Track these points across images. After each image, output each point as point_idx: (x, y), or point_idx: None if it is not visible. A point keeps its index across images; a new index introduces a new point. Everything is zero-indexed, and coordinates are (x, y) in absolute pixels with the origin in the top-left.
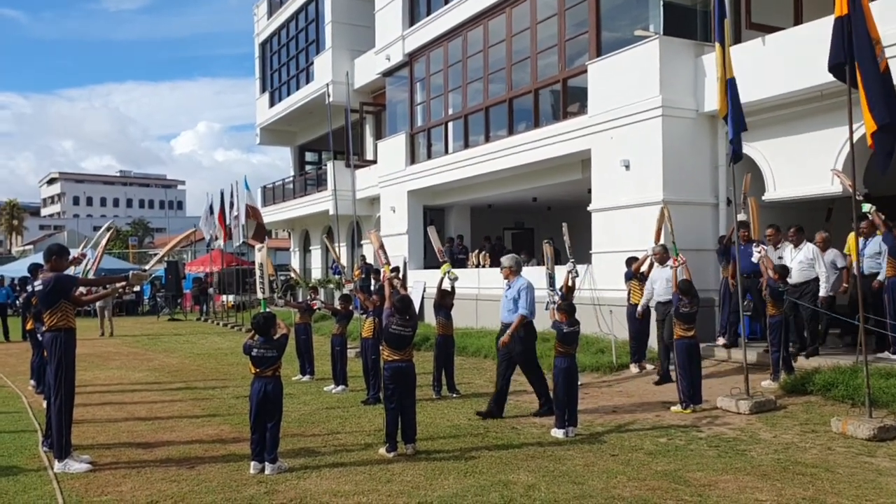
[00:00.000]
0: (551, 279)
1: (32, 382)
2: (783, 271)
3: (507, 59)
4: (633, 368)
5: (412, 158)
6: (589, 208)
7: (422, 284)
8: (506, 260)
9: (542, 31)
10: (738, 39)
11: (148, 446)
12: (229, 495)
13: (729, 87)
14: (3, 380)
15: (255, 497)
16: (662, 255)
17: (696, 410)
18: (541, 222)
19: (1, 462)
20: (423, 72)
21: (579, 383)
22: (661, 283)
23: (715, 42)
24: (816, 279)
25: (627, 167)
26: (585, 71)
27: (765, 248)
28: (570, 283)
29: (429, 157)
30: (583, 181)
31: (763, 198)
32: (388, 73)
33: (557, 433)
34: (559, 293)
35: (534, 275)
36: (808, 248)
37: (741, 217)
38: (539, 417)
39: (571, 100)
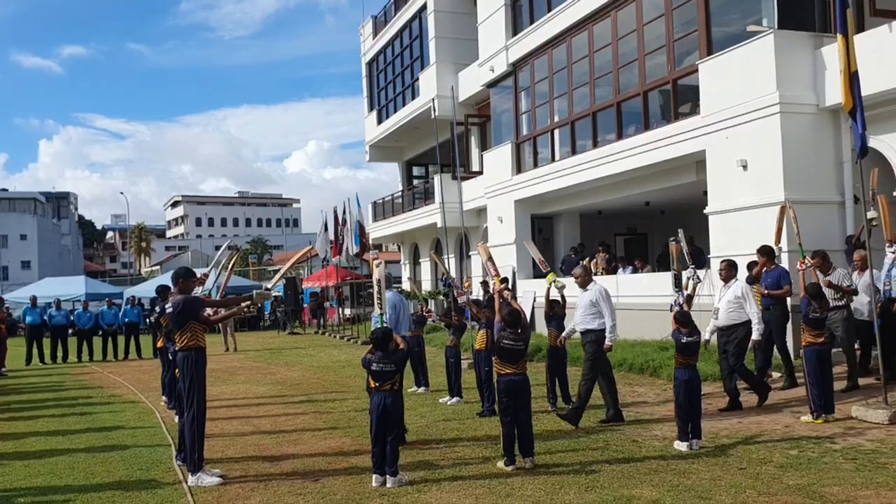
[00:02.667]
0: (677, 280)
1: (164, 398)
2: None
3: (614, 63)
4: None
5: (518, 168)
6: (705, 211)
7: (531, 295)
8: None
9: (650, 32)
10: (861, 27)
11: (274, 459)
12: None
13: (853, 80)
14: (137, 395)
15: None
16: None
17: (829, 420)
18: (655, 227)
19: (140, 475)
20: (528, 80)
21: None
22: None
23: (837, 33)
24: None
25: (745, 167)
26: (696, 70)
27: None
28: (690, 291)
29: (535, 165)
30: (697, 183)
31: (894, 193)
32: (492, 84)
33: (681, 446)
34: (684, 294)
35: (646, 282)
36: None
37: (870, 215)
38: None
39: (682, 100)
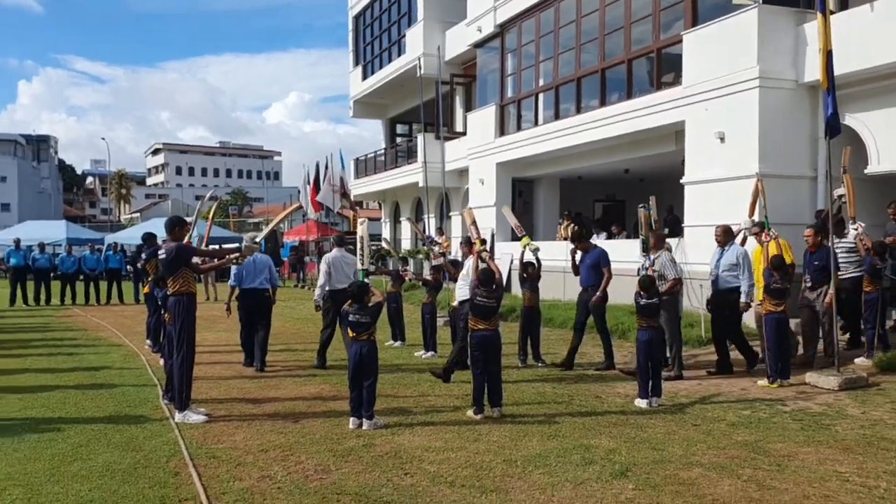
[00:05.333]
0: (645, 245)
1: (149, 342)
2: (881, 249)
3: (600, 29)
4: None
5: (502, 130)
6: (682, 181)
7: (509, 257)
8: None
9: (637, 0)
10: (845, 5)
11: (256, 402)
12: (331, 447)
13: (829, 59)
14: (121, 339)
15: (354, 449)
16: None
17: (784, 385)
18: (633, 194)
19: (128, 411)
20: (515, 42)
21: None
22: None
23: (817, 11)
24: None
25: (722, 139)
26: (681, 41)
27: (861, 225)
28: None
29: (518, 128)
30: (676, 153)
31: (865, 171)
32: (479, 45)
33: (641, 403)
34: (650, 259)
35: (625, 247)
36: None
37: (839, 192)
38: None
39: (666, 70)
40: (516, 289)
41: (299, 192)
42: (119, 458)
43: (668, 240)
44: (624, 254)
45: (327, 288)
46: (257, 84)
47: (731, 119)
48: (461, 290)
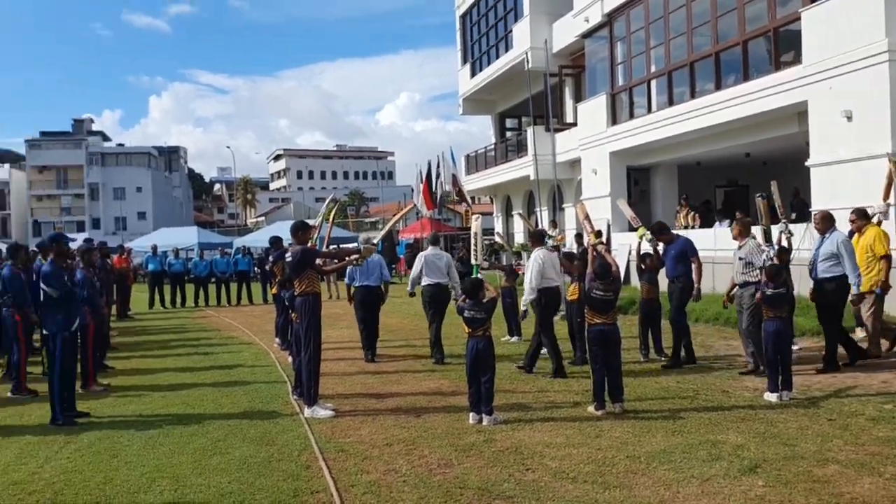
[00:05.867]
0: (766, 235)
1: (277, 340)
2: None
3: (712, 11)
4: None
5: (613, 119)
6: (807, 163)
7: (626, 248)
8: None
9: None
10: None
11: (379, 397)
12: (453, 441)
13: None
14: (251, 338)
15: (475, 444)
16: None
17: None
18: (756, 179)
19: (262, 407)
20: (624, 30)
21: (796, 347)
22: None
23: None
24: None
25: (850, 118)
26: (799, 18)
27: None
28: (784, 245)
29: (631, 116)
30: (800, 134)
31: None
32: (587, 35)
33: (770, 397)
34: (774, 248)
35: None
36: None
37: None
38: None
39: (784, 49)
40: (635, 281)
41: (413, 190)
42: (254, 452)
43: (792, 225)
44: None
45: (420, 283)
46: (369, 87)
47: (858, 96)
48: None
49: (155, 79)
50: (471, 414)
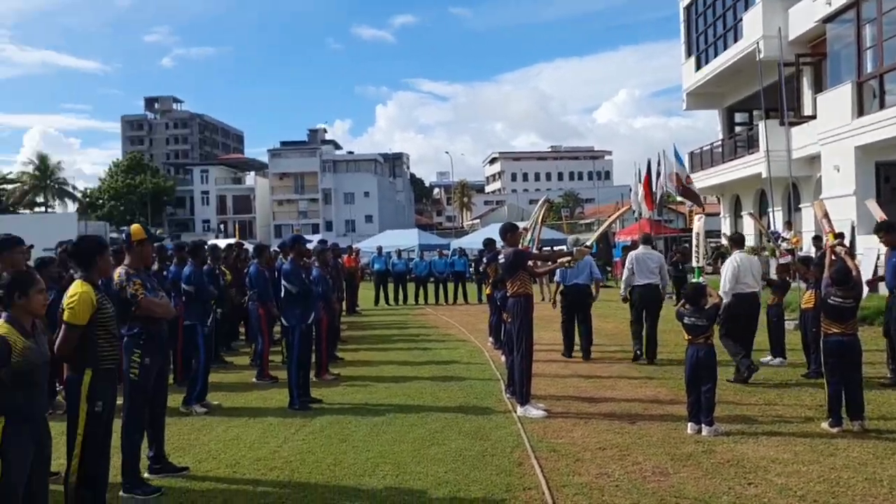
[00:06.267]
0: None
1: (491, 339)
2: None
3: None
4: None
5: (860, 110)
6: None
7: (874, 252)
8: None
9: None
10: None
11: (592, 401)
12: (669, 450)
13: None
14: (466, 336)
15: (693, 454)
16: None
17: None
18: None
19: (476, 403)
20: (874, 11)
21: None
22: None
23: None
24: None
25: None
26: None
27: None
28: None
29: (882, 106)
30: None
31: None
32: (829, 19)
33: None
34: None
35: None
36: None
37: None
38: None
39: None
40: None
41: (630, 190)
42: (469, 446)
43: None
44: None
45: (632, 284)
46: (587, 86)
47: None
48: None
49: (381, 88)
50: (689, 424)
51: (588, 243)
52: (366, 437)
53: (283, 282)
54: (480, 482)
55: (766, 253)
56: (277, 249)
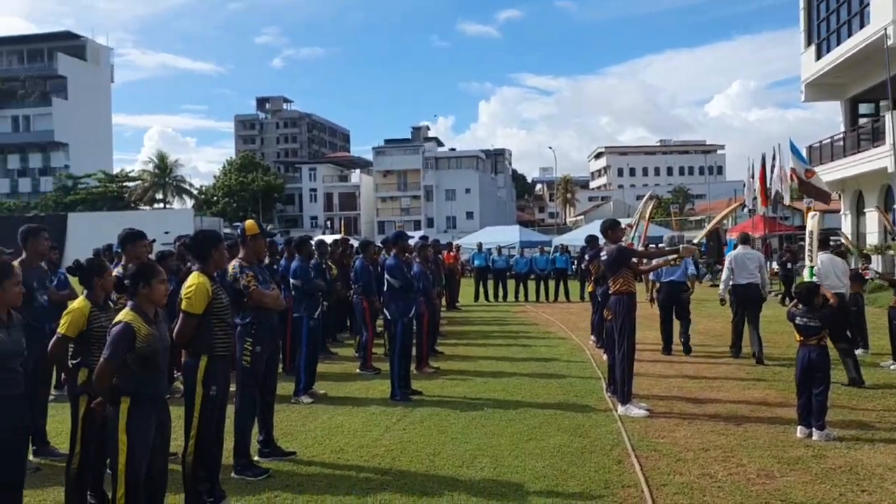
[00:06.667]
0: None
1: (593, 337)
2: None
3: None
4: None
5: None
6: None
7: None
8: None
9: None
10: None
11: (697, 402)
12: (776, 453)
13: None
14: (567, 333)
15: (802, 458)
16: None
17: None
18: None
19: (576, 401)
20: None
21: None
22: None
23: None
24: None
25: None
26: None
27: None
28: None
29: None
30: None
31: None
32: None
33: None
34: None
35: None
36: None
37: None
38: None
39: None
40: None
41: (744, 185)
42: (568, 442)
43: None
44: None
45: (731, 283)
46: (698, 78)
47: None
48: None
49: (484, 84)
50: (799, 427)
51: (696, 240)
52: (464, 429)
53: (386, 276)
54: (578, 478)
55: (892, 251)
56: (381, 245)
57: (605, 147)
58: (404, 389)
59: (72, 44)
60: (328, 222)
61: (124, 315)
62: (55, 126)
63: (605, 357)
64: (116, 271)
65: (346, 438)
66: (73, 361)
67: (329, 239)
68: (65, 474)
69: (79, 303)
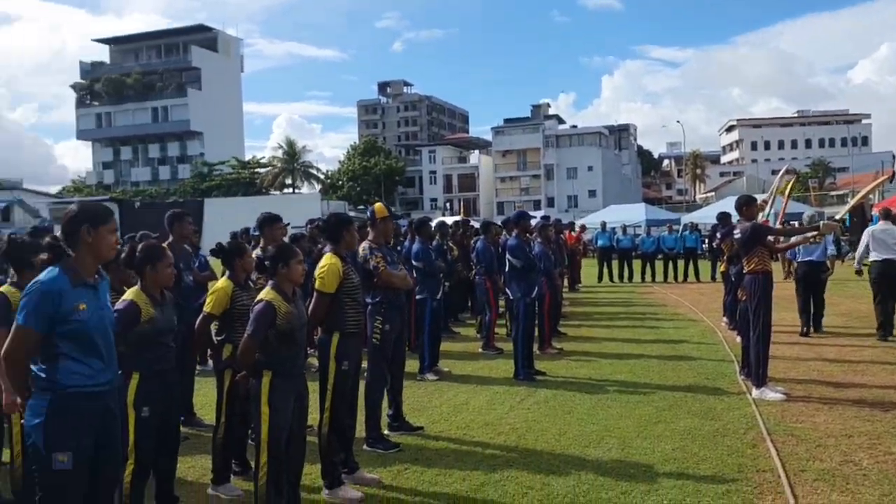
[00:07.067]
0: None
1: (725, 319)
2: None
3: None
4: None
5: None
6: None
7: None
8: None
9: None
10: None
11: (839, 386)
12: None
13: None
14: (697, 315)
15: None
16: None
17: None
18: None
19: (707, 384)
20: None
21: None
22: None
23: None
24: None
25: None
26: None
27: None
28: None
29: None
30: None
31: None
32: None
33: None
34: None
35: None
36: None
37: None
38: None
39: None
40: None
41: (893, 157)
42: (698, 425)
43: None
44: None
45: (869, 259)
46: (839, 43)
47: None
48: None
49: (607, 58)
50: None
51: (838, 217)
52: (590, 410)
53: (507, 256)
54: (710, 461)
55: None
56: (502, 226)
57: (738, 120)
58: (528, 370)
59: (204, 36)
60: (447, 204)
61: (265, 294)
62: (191, 116)
63: (738, 339)
64: (255, 253)
65: (471, 415)
66: (218, 338)
67: (449, 220)
68: (211, 443)
69: (222, 283)
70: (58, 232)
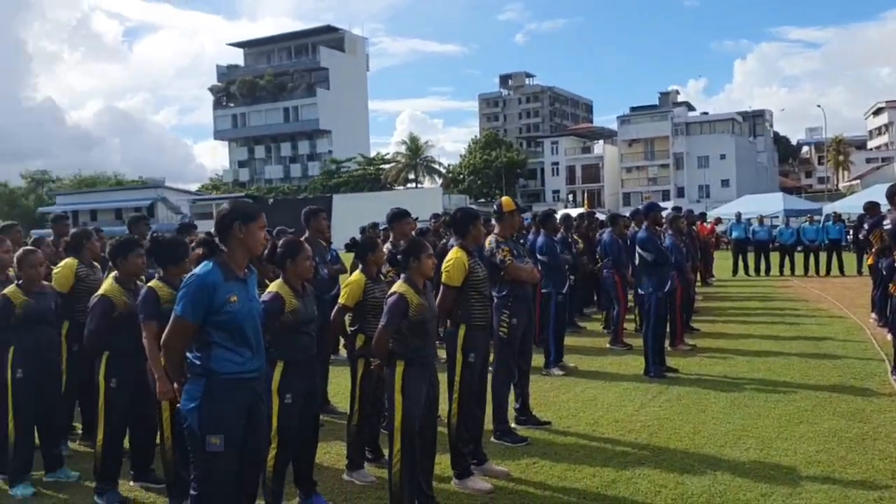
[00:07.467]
0: None
1: (874, 315)
2: None
3: None
4: None
5: None
6: None
7: None
8: None
9: None
10: None
11: None
12: None
13: None
14: (843, 311)
15: None
16: None
17: None
18: None
19: (854, 383)
20: None
21: None
22: None
23: None
24: None
25: None
26: None
27: None
28: None
29: None
30: None
31: None
32: None
33: None
34: None
35: None
36: None
37: None
38: None
39: None
40: None
41: None
42: (845, 427)
43: None
44: None
45: None
46: None
47: None
48: None
49: (740, 42)
50: None
51: None
52: (725, 409)
53: (638, 249)
54: (858, 465)
55: None
56: (630, 217)
57: (887, 101)
58: (659, 366)
59: (331, 37)
60: (570, 195)
61: (398, 287)
62: (319, 115)
63: (888, 337)
64: (386, 247)
65: (600, 412)
66: (351, 328)
67: (574, 213)
68: (346, 431)
69: (355, 276)
70: (201, 228)
